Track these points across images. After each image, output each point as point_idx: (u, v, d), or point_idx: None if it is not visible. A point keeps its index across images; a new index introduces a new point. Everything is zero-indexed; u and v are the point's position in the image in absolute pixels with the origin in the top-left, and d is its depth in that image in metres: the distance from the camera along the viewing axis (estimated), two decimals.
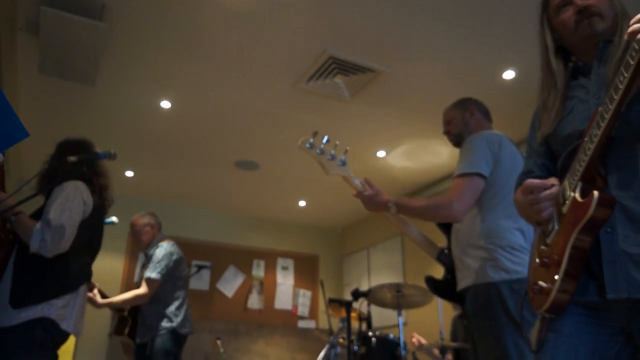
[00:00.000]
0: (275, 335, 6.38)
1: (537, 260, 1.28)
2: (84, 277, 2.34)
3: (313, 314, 6.78)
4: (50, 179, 2.32)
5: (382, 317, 5.19)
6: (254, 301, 6.54)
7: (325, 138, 2.23)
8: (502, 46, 3.53)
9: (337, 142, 2.27)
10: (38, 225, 2.12)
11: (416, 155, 5.12)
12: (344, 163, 2.24)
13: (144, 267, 3.65)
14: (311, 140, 2.21)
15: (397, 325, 3.69)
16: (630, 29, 1.02)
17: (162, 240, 3.69)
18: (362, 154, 5.12)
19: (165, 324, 3.44)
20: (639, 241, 1.12)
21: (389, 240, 6.30)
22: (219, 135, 4.80)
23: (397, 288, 3.78)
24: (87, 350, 5.35)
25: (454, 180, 2.17)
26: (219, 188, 6.01)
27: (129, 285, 5.78)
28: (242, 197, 6.28)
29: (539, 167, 1.44)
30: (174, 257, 3.58)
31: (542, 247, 1.27)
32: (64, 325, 2.17)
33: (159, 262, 3.50)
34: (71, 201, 2.20)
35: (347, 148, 2.31)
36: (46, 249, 2.10)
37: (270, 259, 6.83)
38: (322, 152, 2.21)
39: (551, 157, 1.42)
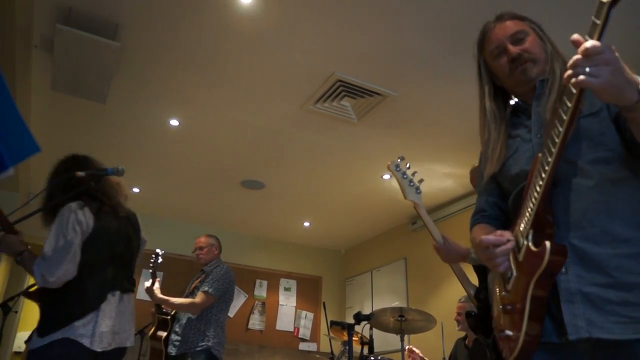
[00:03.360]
0: (275, 357, 6.30)
1: (500, 306, 1.31)
2: (107, 291, 2.31)
3: (314, 337, 6.72)
4: (51, 199, 2.35)
5: (385, 341, 5.14)
6: (256, 322, 6.49)
7: (408, 164, 2.37)
8: None
9: (416, 171, 2.40)
10: (38, 260, 2.17)
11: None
12: (419, 192, 2.38)
13: (197, 279, 3.79)
14: (398, 162, 2.34)
15: (400, 351, 3.65)
16: (566, 74, 1.03)
17: (220, 262, 3.87)
18: (368, 177, 5.14)
19: (202, 342, 3.48)
20: (592, 280, 1.15)
21: (392, 263, 6.27)
22: (225, 153, 4.84)
23: (400, 312, 3.75)
24: None
25: None
26: (224, 206, 6.02)
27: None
28: (247, 217, 6.29)
29: (491, 205, 1.48)
30: (230, 281, 3.73)
31: (503, 292, 1.30)
32: (86, 343, 2.16)
33: (218, 280, 3.63)
34: (65, 226, 2.22)
35: (423, 179, 2.46)
36: (48, 282, 2.13)
37: (273, 279, 6.80)
38: (405, 176, 2.34)
39: (501, 194, 1.45)
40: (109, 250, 2.37)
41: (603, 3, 0.95)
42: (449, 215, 5.51)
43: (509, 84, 1.43)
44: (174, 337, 3.61)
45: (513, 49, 1.37)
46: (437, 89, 3.77)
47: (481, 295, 2.50)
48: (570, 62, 1.01)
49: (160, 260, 3.78)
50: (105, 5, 3.10)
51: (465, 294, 3.95)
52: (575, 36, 1.01)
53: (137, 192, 5.71)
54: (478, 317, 2.49)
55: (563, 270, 1.17)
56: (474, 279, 2.62)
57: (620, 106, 1.07)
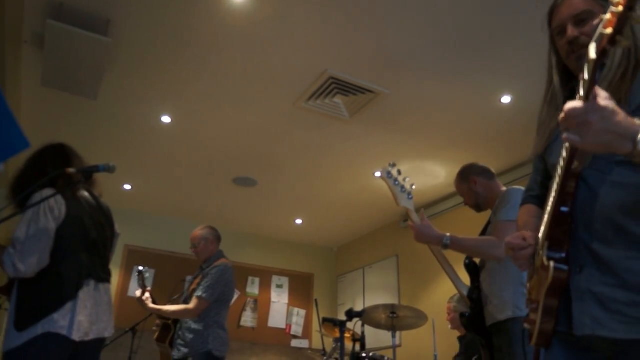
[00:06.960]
0: (267, 354, 6.31)
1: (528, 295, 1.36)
2: (83, 278, 2.27)
3: (307, 334, 6.73)
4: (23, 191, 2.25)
5: (376, 338, 5.16)
6: (248, 319, 6.49)
7: (398, 170, 2.37)
8: (500, 71, 3.58)
9: (407, 178, 2.41)
10: (9, 249, 2.12)
11: (413, 176, 5.15)
12: (411, 197, 2.41)
13: (196, 278, 3.72)
14: (389, 169, 2.34)
15: (391, 347, 3.67)
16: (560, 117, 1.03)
17: (219, 258, 3.76)
18: (360, 174, 5.15)
19: (203, 346, 3.48)
20: (603, 281, 1.17)
21: (384, 260, 6.29)
22: (217, 151, 4.83)
23: (391, 309, 3.76)
24: None
25: (498, 223, 2.36)
26: (216, 204, 6.01)
27: (123, 299, 5.75)
28: (239, 214, 6.28)
29: (538, 184, 1.49)
30: (226, 282, 3.65)
31: (528, 283, 1.35)
32: (65, 333, 2.13)
33: (213, 284, 3.55)
34: (36, 213, 2.17)
35: (414, 184, 2.48)
36: (20, 271, 2.09)
37: (265, 276, 6.80)
38: (397, 183, 2.35)
39: (548, 174, 1.43)
40: (83, 237, 2.32)
41: (590, 59, 0.97)
42: (440, 212, 5.53)
43: (568, 65, 1.37)
44: (178, 340, 3.62)
45: (571, 32, 1.30)
46: (429, 87, 3.78)
47: (474, 295, 2.52)
48: (560, 117, 1.01)
49: (147, 275, 3.68)
50: (96, 0, 3.08)
51: (454, 293, 3.97)
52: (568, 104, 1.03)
53: (129, 189, 5.68)
54: (471, 317, 2.51)
55: (578, 269, 1.20)
56: (465, 278, 2.63)
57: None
